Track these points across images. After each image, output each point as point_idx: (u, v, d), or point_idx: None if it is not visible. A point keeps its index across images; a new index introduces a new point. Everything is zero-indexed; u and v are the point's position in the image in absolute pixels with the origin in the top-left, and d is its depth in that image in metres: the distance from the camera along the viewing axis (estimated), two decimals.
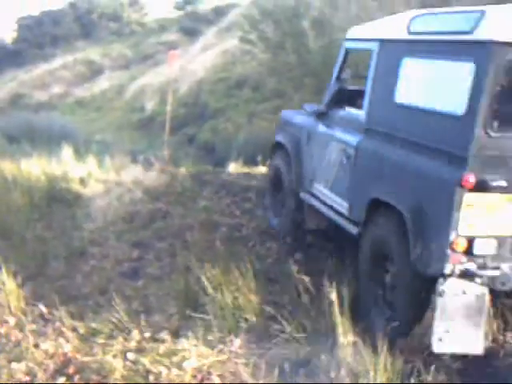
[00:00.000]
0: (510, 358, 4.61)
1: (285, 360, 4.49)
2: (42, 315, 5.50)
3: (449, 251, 4.29)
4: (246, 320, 4.96)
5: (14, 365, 4.68)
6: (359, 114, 5.70)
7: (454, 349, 4.37)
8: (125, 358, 4.63)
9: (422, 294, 4.57)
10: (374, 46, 5.62)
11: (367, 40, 5.87)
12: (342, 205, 5.78)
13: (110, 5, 45.32)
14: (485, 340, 4.44)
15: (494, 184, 4.20)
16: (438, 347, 4.34)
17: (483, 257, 4.38)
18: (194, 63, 25.12)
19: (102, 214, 8.19)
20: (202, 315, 5.05)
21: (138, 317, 5.20)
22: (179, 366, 4.46)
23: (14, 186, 9.00)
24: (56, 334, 5.09)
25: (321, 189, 6.34)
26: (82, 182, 9.83)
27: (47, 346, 4.90)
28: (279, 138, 7.41)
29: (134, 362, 4.57)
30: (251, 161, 10.13)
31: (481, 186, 4.20)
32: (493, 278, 4.41)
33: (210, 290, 5.25)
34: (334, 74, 6.43)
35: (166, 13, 47.47)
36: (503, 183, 4.21)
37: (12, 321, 5.39)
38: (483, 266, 4.38)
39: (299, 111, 7.38)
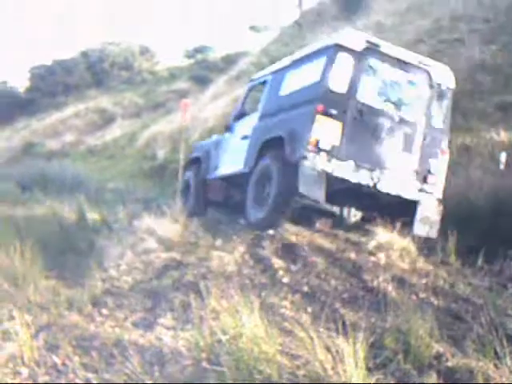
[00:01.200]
0: None
1: None
2: (55, 366, 5.43)
3: (307, 144, 8.32)
4: (261, 372, 4.89)
5: None
6: (254, 114, 10.37)
7: (310, 195, 8.34)
8: None
9: (290, 179, 8.42)
10: (269, 77, 10.48)
11: (264, 76, 10.80)
12: (239, 164, 10.01)
13: (122, 53, 45.95)
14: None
15: (331, 112, 8.36)
16: (302, 192, 8.29)
17: (324, 151, 8.36)
18: (205, 111, 25.32)
19: (116, 263, 8.19)
20: (216, 367, 5.00)
21: (152, 368, 5.15)
22: None
23: (27, 234, 9.01)
24: None
25: (223, 167, 10.93)
26: (96, 230, 9.86)
27: None
28: (195, 154, 12.48)
29: None
30: None
31: (324, 112, 8.36)
32: (327, 165, 8.38)
33: (224, 341, 5.20)
34: (240, 104, 11.53)
35: (177, 61, 48.11)
36: (335, 112, 8.38)
37: (25, 372, 5.32)
38: (323, 157, 8.36)
39: (205, 140, 13.40)
